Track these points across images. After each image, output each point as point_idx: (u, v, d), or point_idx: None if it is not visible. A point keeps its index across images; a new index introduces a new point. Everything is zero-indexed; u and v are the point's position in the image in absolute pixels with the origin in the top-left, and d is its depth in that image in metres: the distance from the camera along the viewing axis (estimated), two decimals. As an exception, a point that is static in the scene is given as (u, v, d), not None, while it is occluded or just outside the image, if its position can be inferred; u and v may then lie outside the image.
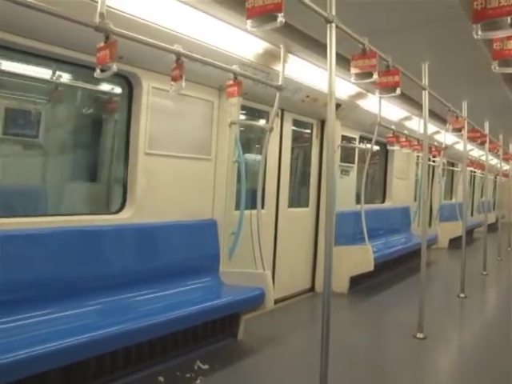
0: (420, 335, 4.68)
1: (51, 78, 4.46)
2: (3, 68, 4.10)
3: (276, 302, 4.67)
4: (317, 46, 4.54)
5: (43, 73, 4.40)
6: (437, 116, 7.93)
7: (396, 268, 7.93)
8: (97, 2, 2.87)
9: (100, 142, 5.13)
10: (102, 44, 2.93)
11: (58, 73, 4.45)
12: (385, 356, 4.37)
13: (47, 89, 4.66)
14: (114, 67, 2.90)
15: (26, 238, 3.24)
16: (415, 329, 4.73)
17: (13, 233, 3.17)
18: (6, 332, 2.89)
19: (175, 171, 4.25)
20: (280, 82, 4.47)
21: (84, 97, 5.03)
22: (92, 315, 3.37)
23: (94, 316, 3.37)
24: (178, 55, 3.41)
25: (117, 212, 3.96)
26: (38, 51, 3.32)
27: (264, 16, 2.58)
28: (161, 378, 3.52)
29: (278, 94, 4.48)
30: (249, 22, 2.62)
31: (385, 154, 9.02)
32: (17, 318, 3.02)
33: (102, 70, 3.00)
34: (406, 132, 7.80)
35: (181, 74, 3.36)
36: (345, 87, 5.85)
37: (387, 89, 4.23)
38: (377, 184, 9.14)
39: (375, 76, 3.68)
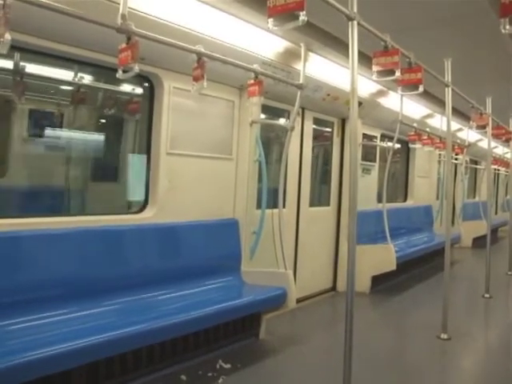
0: (444, 336, 4.61)
1: (73, 80, 4.52)
2: (27, 71, 4.17)
3: (297, 301, 4.65)
4: (337, 44, 4.51)
5: (65, 75, 4.46)
6: (460, 113, 7.80)
7: (418, 267, 7.84)
8: (118, 4, 2.89)
9: (121, 142, 5.19)
10: (123, 45, 2.94)
11: (79, 74, 4.51)
12: (408, 357, 4.31)
13: (69, 90, 4.72)
14: (136, 68, 2.90)
15: (48, 237, 3.28)
16: (439, 329, 4.66)
17: (35, 233, 3.21)
18: (29, 330, 2.93)
19: (197, 171, 4.26)
20: (301, 81, 4.45)
21: (105, 98, 5.08)
22: (114, 314, 3.40)
23: (116, 315, 3.40)
24: (200, 55, 3.41)
25: (138, 212, 3.99)
26: (61, 53, 3.36)
27: (285, 15, 2.57)
28: (183, 377, 3.54)
29: (299, 93, 4.46)
30: (270, 20, 2.60)
31: (406, 153, 8.91)
32: (40, 316, 3.06)
33: (124, 71, 3.01)
34: (427, 130, 7.69)
35: (202, 74, 3.36)
36: (366, 85, 5.80)
37: (410, 86, 4.17)
38: (398, 182, 9.04)
39: (398, 73, 3.63)
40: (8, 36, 2.29)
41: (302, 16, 2.50)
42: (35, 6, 2.53)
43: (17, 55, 3.87)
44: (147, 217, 3.92)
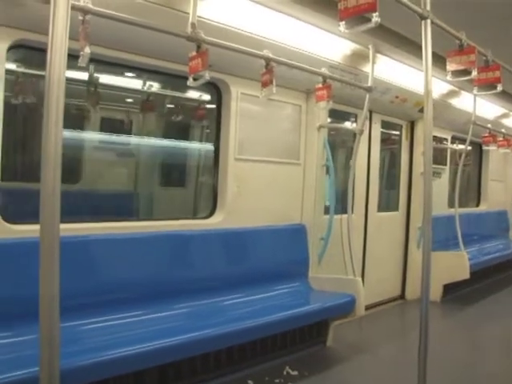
0: (525, 352, 4.33)
1: (142, 88, 4.67)
2: (100, 81, 4.34)
3: (365, 308, 4.54)
4: (407, 44, 4.38)
5: (135, 83, 4.61)
6: None
7: (492, 277, 7.44)
8: (188, 13, 2.93)
9: (189, 147, 5.29)
10: (193, 53, 2.98)
11: (148, 83, 4.65)
12: (486, 373, 4.01)
13: (139, 98, 4.87)
14: (207, 75, 2.94)
15: (119, 242, 3.37)
16: (519, 344, 4.38)
17: (107, 237, 3.32)
18: (102, 331, 3.04)
19: (264, 176, 4.26)
20: (369, 84, 4.35)
21: (173, 105, 5.21)
22: (183, 318, 3.46)
23: (185, 319, 3.46)
24: (268, 60, 3.41)
25: (207, 217, 4.04)
26: (132, 63, 3.48)
27: (357, 16, 2.50)
28: (250, 382, 3.54)
29: (367, 96, 4.37)
30: (342, 24, 2.54)
31: (479, 155, 8.51)
32: (112, 317, 3.16)
33: (194, 79, 3.06)
34: (503, 130, 7.30)
35: (271, 79, 3.35)
36: (436, 85, 5.58)
37: (487, 86, 3.96)
38: (470, 186, 8.65)
39: (474, 73, 3.45)
40: (88, 49, 2.38)
41: (375, 17, 2.42)
42: (109, 19, 2.61)
43: (91, 67, 4.03)
44: (216, 222, 3.97)
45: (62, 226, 3.03)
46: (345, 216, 4.46)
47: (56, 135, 1.60)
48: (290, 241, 4.43)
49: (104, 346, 2.77)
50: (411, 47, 4.30)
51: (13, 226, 2.87)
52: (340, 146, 5.67)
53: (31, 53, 3.18)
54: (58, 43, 1.56)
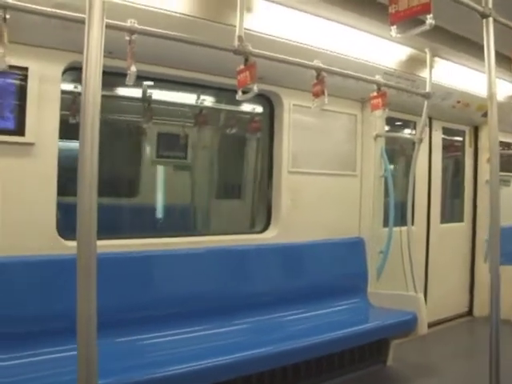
0: None
1: (196, 103, 4.71)
2: (154, 97, 4.42)
3: (428, 325, 4.30)
4: (466, 45, 4.17)
5: (189, 98, 4.65)
6: None
7: None
8: (235, 26, 2.91)
9: (243, 161, 5.27)
10: (241, 66, 2.96)
11: (201, 97, 4.69)
12: None
13: (193, 113, 4.92)
14: (255, 88, 2.90)
15: (175, 257, 3.39)
16: None
17: (164, 253, 3.34)
18: (160, 345, 3.04)
19: (319, 188, 4.18)
20: (427, 89, 4.16)
21: (227, 118, 5.22)
22: (240, 334, 3.41)
23: (242, 335, 3.41)
24: (319, 70, 3.32)
25: (262, 231, 3.99)
26: (182, 79, 3.52)
27: (409, 19, 2.38)
28: (306, 403, 3.42)
29: (426, 103, 4.20)
30: (393, 28, 2.43)
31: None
32: (168, 333, 3.15)
33: (244, 92, 3.03)
34: None
35: (322, 90, 3.26)
36: (500, 87, 5.26)
37: (559, 85, 3.67)
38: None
39: (545, 72, 3.21)
40: (134, 68, 2.43)
41: (430, 19, 2.30)
42: (157, 37, 2.64)
43: (144, 84, 4.11)
44: (270, 237, 3.91)
45: (120, 241, 3.10)
46: (404, 228, 4.30)
47: (92, 153, 1.61)
48: (347, 255, 4.30)
49: (161, 363, 2.76)
50: (471, 48, 4.09)
51: (68, 243, 2.93)
52: (399, 154, 5.47)
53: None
54: (93, 62, 1.57)
